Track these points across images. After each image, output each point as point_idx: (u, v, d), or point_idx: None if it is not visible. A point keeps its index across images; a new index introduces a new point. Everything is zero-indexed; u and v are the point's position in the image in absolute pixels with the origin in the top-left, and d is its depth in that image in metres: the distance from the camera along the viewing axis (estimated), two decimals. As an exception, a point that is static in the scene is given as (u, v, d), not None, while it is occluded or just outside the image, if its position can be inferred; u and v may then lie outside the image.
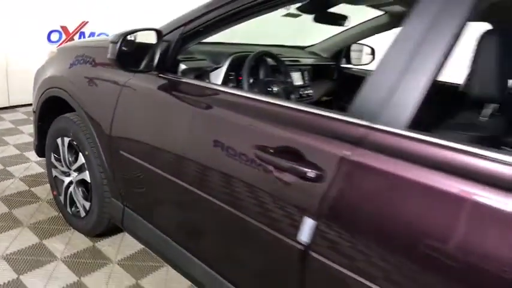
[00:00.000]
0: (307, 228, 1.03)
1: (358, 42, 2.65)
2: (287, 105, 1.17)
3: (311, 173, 1.01)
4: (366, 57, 2.70)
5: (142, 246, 2.09)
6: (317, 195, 1.00)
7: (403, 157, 0.90)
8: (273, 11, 1.37)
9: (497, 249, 0.75)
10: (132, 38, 1.37)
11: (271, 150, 1.11)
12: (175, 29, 1.48)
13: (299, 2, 1.32)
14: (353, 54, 2.74)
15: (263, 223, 1.14)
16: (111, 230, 2.09)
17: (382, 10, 2.12)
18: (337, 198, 0.98)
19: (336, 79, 2.62)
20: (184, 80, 1.49)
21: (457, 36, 0.92)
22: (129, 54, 1.37)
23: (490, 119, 1.18)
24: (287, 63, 2.16)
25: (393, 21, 2.14)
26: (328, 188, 0.99)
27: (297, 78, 2.23)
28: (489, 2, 0.94)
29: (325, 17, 1.79)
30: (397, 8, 2.03)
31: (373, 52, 2.61)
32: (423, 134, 0.90)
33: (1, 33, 3.69)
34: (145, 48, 1.46)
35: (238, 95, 1.33)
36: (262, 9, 1.34)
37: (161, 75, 1.50)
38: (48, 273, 1.82)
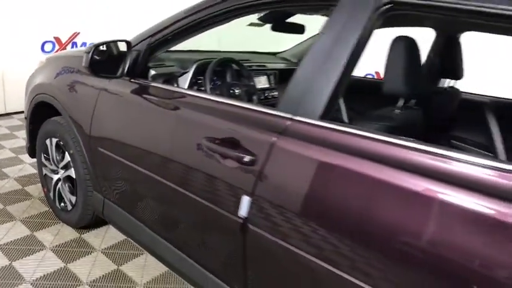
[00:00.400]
0: (245, 205, 1.23)
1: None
2: (232, 103, 1.38)
3: (246, 158, 1.22)
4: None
5: (124, 237, 2.29)
6: (252, 176, 1.21)
7: (316, 142, 1.11)
8: (228, 22, 1.58)
9: (400, 221, 0.94)
10: (104, 48, 1.58)
11: (218, 141, 1.32)
12: (144, 39, 1.69)
13: (248, 14, 1.52)
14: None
15: (214, 203, 1.34)
16: (96, 223, 2.30)
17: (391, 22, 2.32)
18: (268, 178, 1.19)
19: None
20: (153, 84, 1.70)
21: (360, 44, 1.13)
22: (102, 62, 1.59)
23: (402, 111, 1.39)
24: (254, 68, 2.37)
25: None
26: (260, 170, 1.19)
27: (263, 82, 2.44)
28: (388, 15, 1.14)
29: (282, 26, 2.00)
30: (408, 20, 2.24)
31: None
32: (332, 123, 1.11)
33: None
34: (118, 56, 1.67)
35: (198, 96, 1.54)
36: (217, 21, 1.56)
37: (132, 80, 1.71)
38: (37, 260, 2.02)
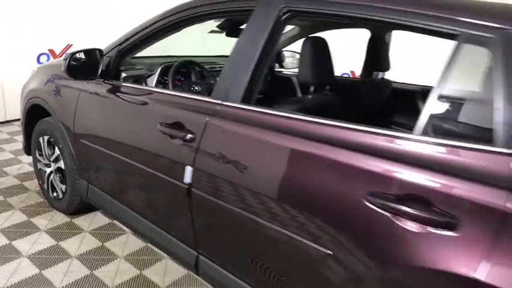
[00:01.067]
0: (188, 174, 1.57)
1: (290, 49, 3.20)
2: (182, 95, 1.73)
3: (188, 136, 1.55)
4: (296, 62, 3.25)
5: (109, 220, 2.63)
6: (192, 150, 1.54)
7: (238, 120, 1.45)
8: (183, 29, 1.92)
9: (299, 176, 1.26)
10: (80, 56, 1.92)
11: (169, 125, 1.65)
12: (114, 47, 2.04)
13: (193, 24, 1.85)
14: (287, 60, 3.30)
15: (167, 175, 1.68)
16: (85, 209, 2.63)
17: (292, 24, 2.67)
18: (204, 151, 1.52)
19: (269, 81, 3.17)
20: (123, 84, 2.04)
21: (269, 44, 1.46)
22: (79, 67, 1.93)
23: (313, 96, 1.72)
24: (218, 69, 2.71)
25: (301, 32, 2.70)
26: (198, 145, 1.53)
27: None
28: (290, 22, 1.47)
29: (234, 32, 2.34)
30: (304, 23, 2.58)
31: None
32: (250, 106, 1.45)
33: None
34: (94, 62, 2.01)
35: (160, 92, 1.88)
36: (172, 29, 1.90)
37: (106, 81, 2.05)
38: (33, 239, 2.35)
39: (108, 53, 2.06)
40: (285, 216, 1.29)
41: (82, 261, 2.20)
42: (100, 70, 1.98)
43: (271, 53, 1.51)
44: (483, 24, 1.05)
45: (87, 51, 1.96)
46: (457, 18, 1.11)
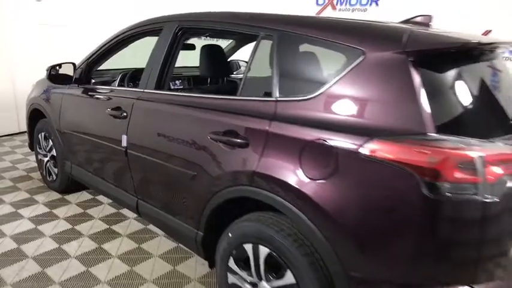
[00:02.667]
0: (124, 140, 2.31)
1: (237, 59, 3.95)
2: (124, 90, 2.49)
3: (123, 114, 2.30)
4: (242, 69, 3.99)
5: (92, 196, 3.38)
6: (125, 124, 2.29)
7: (150, 100, 2.19)
8: (128, 45, 2.70)
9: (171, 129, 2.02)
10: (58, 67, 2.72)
11: (112, 109, 2.41)
12: (84, 61, 2.83)
13: (137, 40, 2.63)
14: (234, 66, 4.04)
15: (114, 143, 2.42)
16: (76, 189, 3.40)
17: (230, 39, 3.43)
18: (133, 123, 2.27)
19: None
20: (92, 87, 2.82)
21: (170, 52, 2.20)
22: (57, 75, 2.73)
23: (211, 85, 2.45)
24: (174, 75, 3.50)
25: (238, 44, 3.45)
26: (129, 120, 2.28)
27: (178, 84, 3.50)
28: (184, 36, 2.22)
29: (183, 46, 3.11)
30: (238, 37, 3.33)
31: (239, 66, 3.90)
32: (158, 90, 2.19)
33: (12, 75, 5.13)
34: (69, 72, 2.81)
35: (114, 90, 2.65)
36: (120, 46, 2.68)
37: (80, 86, 2.84)
38: (33, 209, 3.13)
39: (80, 65, 2.86)
40: (174, 156, 2.02)
41: (68, 220, 2.95)
42: (74, 78, 2.78)
43: (173, 56, 2.25)
44: (272, 28, 1.77)
45: (63, 64, 2.76)
46: (261, 26, 1.83)
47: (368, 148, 1.34)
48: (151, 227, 2.90)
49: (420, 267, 1.32)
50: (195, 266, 2.44)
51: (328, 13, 5.51)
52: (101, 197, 3.38)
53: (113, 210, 3.16)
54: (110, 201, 3.29)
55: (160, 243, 2.68)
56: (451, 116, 1.40)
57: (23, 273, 2.32)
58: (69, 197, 3.38)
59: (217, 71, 2.43)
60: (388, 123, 1.37)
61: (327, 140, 1.44)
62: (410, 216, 1.30)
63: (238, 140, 1.70)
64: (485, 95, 1.54)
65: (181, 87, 3.12)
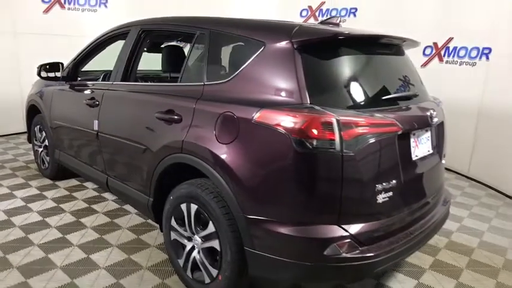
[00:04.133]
0: (96, 125, 2.73)
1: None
2: (99, 83, 2.92)
3: (95, 103, 2.73)
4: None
5: (80, 182, 3.81)
6: (97, 111, 2.72)
7: (118, 90, 2.61)
8: (105, 47, 3.14)
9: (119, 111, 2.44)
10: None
11: (87, 99, 2.84)
12: (71, 61, 3.29)
13: (112, 43, 3.07)
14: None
15: (88, 128, 2.84)
16: (64, 176, 3.83)
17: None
18: (103, 110, 2.69)
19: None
20: (76, 83, 3.26)
21: (134, 51, 2.63)
22: (47, 73, 3.18)
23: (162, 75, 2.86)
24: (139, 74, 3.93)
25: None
26: (100, 107, 2.70)
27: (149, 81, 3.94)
28: (146, 38, 2.65)
29: (151, 50, 3.52)
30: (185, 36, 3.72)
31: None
32: (124, 82, 2.61)
33: (19, 79, 5.65)
34: (57, 70, 3.27)
35: (89, 83, 3.09)
36: (99, 49, 3.13)
37: (68, 82, 3.29)
38: (26, 191, 3.56)
39: (68, 65, 3.32)
40: (132, 134, 2.43)
41: (54, 200, 3.37)
42: (61, 76, 3.24)
43: (137, 53, 2.67)
44: (204, 27, 2.18)
45: (52, 63, 3.23)
46: (197, 26, 2.24)
47: (257, 116, 1.71)
48: (127, 206, 3.29)
49: (297, 209, 1.67)
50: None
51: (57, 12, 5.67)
52: (87, 184, 3.79)
53: (95, 193, 3.57)
54: (95, 186, 3.71)
55: (130, 219, 3.07)
56: (325, 91, 1.77)
57: (9, 237, 2.73)
58: (59, 183, 3.80)
59: (174, 65, 2.83)
60: (277, 97, 1.75)
61: (233, 112, 1.82)
62: (287, 168, 1.65)
63: (175, 117, 2.09)
64: (359, 76, 1.90)
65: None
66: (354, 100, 1.79)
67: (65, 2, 5.79)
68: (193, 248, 2.12)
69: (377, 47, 2.04)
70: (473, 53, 4.51)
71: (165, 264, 2.46)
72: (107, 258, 2.53)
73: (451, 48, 4.79)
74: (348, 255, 1.63)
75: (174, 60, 2.83)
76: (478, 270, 2.60)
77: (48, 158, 3.77)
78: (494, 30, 4.24)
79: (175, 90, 2.21)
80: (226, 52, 2.10)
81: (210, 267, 2.01)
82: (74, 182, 3.85)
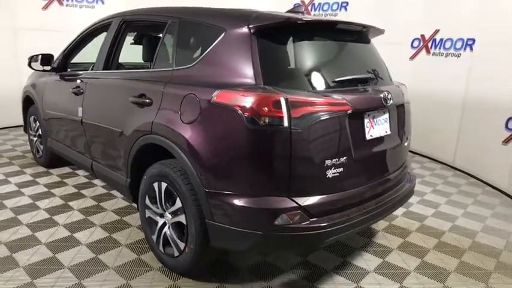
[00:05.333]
0: (80, 112, 2.88)
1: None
2: (84, 72, 3.07)
3: (80, 91, 2.89)
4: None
5: (72, 170, 3.97)
6: (81, 99, 2.87)
7: (100, 78, 2.76)
8: (92, 39, 3.29)
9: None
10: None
11: (73, 88, 2.99)
12: (61, 53, 3.45)
13: (98, 35, 3.22)
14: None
15: (73, 115, 3.00)
16: (58, 165, 4.00)
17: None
18: (86, 97, 2.85)
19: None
20: (65, 73, 3.42)
21: (116, 41, 2.78)
22: (38, 63, 3.35)
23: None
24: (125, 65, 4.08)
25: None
26: (85, 95, 2.85)
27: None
28: (126, 29, 2.79)
29: (136, 42, 3.67)
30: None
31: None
32: (105, 71, 2.76)
33: (19, 75, 5.82)
34: (48, 62, 3.43)
35: (76, 74, 3.24)
36: (86, 40, 3.28)
37: (58, 73, 3.45)
38: (20, 178, 3.74)
39: (58, 56, 3.48)
40: (110, 119, 2.57)
41: (46, 186, 3.55)
42: (51, 66, 3.40)
43: (118, 43, 2.82)
44: (175, 16, 2.31)
45: (43, 55, 3.39)
46: (169, 15, 2.37)
47: (215, 96, 1.84)
48: (114, 192, 3.45)
49: (250, 182, 1.80)
50: (139, 218, 2.96)
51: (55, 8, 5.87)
52: (79, 171, 3.96)
53: (86, 180, 3.73)
54: (86, 174, 3.87)
55: (115, 203, 3.22)
56: (280, 73, 1.89)
57: (0, 218, 2.91)
58: (53, 170, 3.98)
59: (151, 54, 2.97)
60: (235, 79, 1.87)
61: (195, 93, 1.94)
62: (240, 144, 1.78)
63: (147, 100, 2.23)
64: (315, 60, 2.02)
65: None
66: (308, 82, 1.91)
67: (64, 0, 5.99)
68: (164, 224, 2.25)
69: (336, 33, 2.15)
70: (458, 44, 4.58)
71: (142, 242, 2.61)
72: (89, 236, 2.68)
73: (437, 40, 4.86)
74: (297, 226, 1.76)
75: (152, 50, 2.98)
76: (444, 251, 2.70)
77: (42, 147, 3.94)
78: (478, 20, 4.31)
79: (148, 76, 2.35)
80: (194, 39, 2.22)
81: (178, 241, 2.15)
82: (66, 169, 4.02)
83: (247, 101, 1.73)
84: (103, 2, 6.30)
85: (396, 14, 5.25)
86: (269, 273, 2.34)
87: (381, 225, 3.04)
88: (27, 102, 4.12)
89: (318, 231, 1.78)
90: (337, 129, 1.86)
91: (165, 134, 2.07)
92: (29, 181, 3.66)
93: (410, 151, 5.52)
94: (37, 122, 3.94)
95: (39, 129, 3.90)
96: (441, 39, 4.80)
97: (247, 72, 1.84)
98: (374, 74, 2.25)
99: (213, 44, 2.00)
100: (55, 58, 3.48)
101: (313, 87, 1.89)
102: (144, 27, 2.95)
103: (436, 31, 4.85)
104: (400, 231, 2.96)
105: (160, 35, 2.46)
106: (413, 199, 3.63)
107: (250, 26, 1.88)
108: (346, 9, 5.98)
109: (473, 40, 4.38)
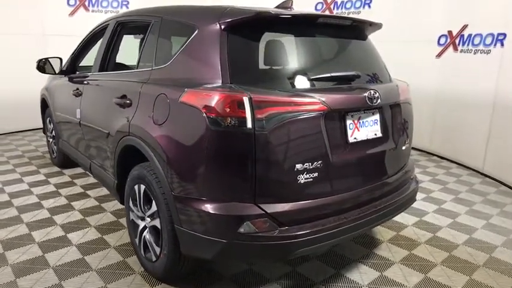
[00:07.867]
0: (78, 113, 2.92)
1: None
2: (85, 75, 3.11)
3: (79, 93, 2.92)
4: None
5: (82, 171, 4.06)
6: (80, 100, 2.90)
7: (96, 80, 2.78)
8: (98, 39, 3.34)
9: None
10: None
11: (73, 90, 3.04)
12: (70, 57, 3.53)
13: (100, 38, 3.26)
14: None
15: (73, 116, 3.04)
16: (71, 165, 4.11)
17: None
18: (84, 99, 2.87)
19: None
20: (71, 76, 3.49)
21: (112, 41, 2.78)
22: (45, 67, 3.44)
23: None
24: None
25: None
26: (82, 96, 2.88)
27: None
28: (122, 30, 2.78)
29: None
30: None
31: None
32: (102, 72, 2.77)
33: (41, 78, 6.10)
34: (55, 65, 3.52)
35: (79, 76, 3.30)
36: (91, 43, 3.33)
37: (67, 75, 3.54)
38: (34, 177, 3.87)
39: (67, 60, 3.56)
40: (100, 121, 2.57)
41: (55, 186, 3.64)
42: (60, 69, 3.48)
43: (114, 44, 2.82)
44: (158, 16, 2.26)
45: (51, 58, 3.48)
46: (153, 14, 2.33)
47: (182, 96, 1.75)
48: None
49: (213, 186, 1.69)
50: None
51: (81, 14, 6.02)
52: (90, 172, 4.05)
53: (94, 181, 3.79)
54: (96, 174, 3.96)
55: (116, 204, 3.24)
56: (250, 72, 1.77)
57: (4, 215, 3.00)
58: (66, 171, 4.09)
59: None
60: (202, 77, 1.78)
61: (165, 93, 1.87)
62: (203, 146, 1.67)
63: (127, 101, 2.20)
64: (291, 57, 1.87)
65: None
66: (282, 81, 1.78)
67: (89, 5, 6.20)
68: (145, 228, 2.20)
69: (321, 28, 2.00)
70: (488, 40, 4.19)
71: (131, 245, 2.58)
72: (81, 237, 2.70)
73: (465, 36, 4.48)
74: (264, 234, 1.63)
75: (138, 50, 2.97)
76: (453, 266, 2.44)
77: (55, 148, 4.07)
78: (509, 13, 3.92)
79: (131, 76, 2.32)
80: (172, 37, 2.16)
81: (154, 245, 2.08)
82: (79, 170, 4.11)
83: (210, 101, 1.63)
84: (127, 7, 6.46)
85: (422, 9, 4.93)
86: (253, 283, 2.21)
87: (386, 235, 2.82)
88: (44, 105, 4.28)
89: (287, 241, 1.65)
90: (311, 131, 1.71)
91: (140, 135, 2.03)
92: (40, 181, 3.78)
93: (437, 156, 5.18)
94: (51, 123, 4.07)
95: (53, 131, 4.03)
96: (469, 35, 4.43)
97: (215, 70, 1.74)
98: (365, 73, 2.07)
99: (187, 42, 1.92)
100: (64, 61, 3.58)
101: (288, 86, 1.76)
102: (135, 28, 2.94)
103: (464, 26, 4.48)
104: (407, 243, 2.72)
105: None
106: (428, 207, 3.36)
107: (220, 22, 1.78)
108: (369, 6, 5.70)
109: (504, 35, 3.99)
